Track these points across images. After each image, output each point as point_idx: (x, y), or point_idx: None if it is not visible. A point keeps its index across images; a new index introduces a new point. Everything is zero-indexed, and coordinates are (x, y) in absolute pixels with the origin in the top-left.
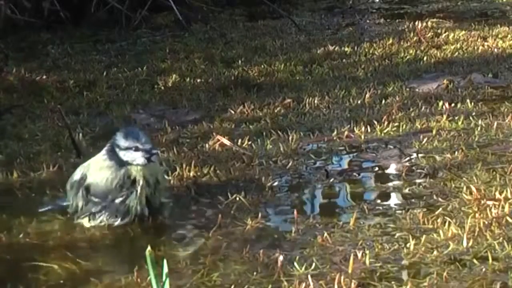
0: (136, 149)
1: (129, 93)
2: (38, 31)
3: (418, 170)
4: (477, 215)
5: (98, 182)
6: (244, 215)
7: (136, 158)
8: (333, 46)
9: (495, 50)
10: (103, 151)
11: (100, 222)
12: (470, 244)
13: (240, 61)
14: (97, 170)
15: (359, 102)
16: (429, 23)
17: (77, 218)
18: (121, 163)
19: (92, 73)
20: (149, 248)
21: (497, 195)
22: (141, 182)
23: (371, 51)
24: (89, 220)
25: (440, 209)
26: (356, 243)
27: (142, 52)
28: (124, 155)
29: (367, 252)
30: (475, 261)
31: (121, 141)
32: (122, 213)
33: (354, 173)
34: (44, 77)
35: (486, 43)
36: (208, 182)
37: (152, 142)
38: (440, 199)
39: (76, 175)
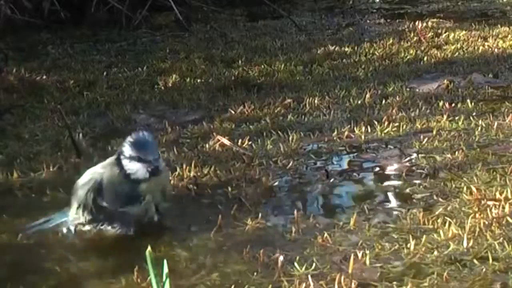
0: (139, 159)
1: (129, 93)
2: (38, 31)
3: (419, 170)
4: (477, 215)
5: (110, 193)
6: (244, 215)
7: (138, 170)
8: (333, 46)
9: (496, 50)
10: (113, 159)
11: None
12: (470, 244)
13: (240, 61)
14: (109, 181)
15: (359, 102)
16: (430, 23)
17: (82, 226)
18: (126, 175)
19: (92, 73)
20: (149, 248)
21: (498, 195)
22: (147, 198)
23: (371, 51)
24: (96, 228)
25: (441, 209)
26: (356, 243)
27: (142, 52)
28: (127, 165)
29: (367, 252)
30: (475, 261)
31: (127, 149)
32: (131, 223)
33: (355, 173)
34: (44, 77)
35: (486, 43)
36: (208, 182)
37: (157, 153)
38: (440, 199)
39: (89, 182)
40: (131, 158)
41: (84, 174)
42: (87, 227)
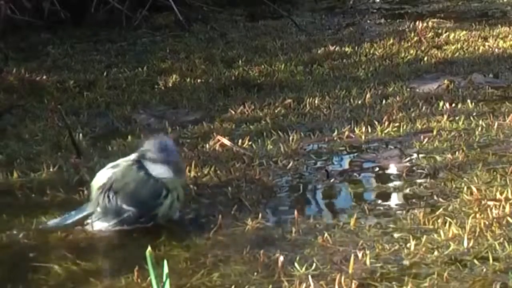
0: (163, 162)
1: (129, 93)
2: (38, 31)
3: (419, 171)
4: (477, 215)
5: (131, 192)
6: (245, 215)
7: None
8: (333, 46)
9: (496, 50)
10: (131, 161)
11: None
12: (470, 244)
13: (240, 61)
14: (130, 181)
15: (359, 102)
16: (430, 23)
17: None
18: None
19: (92, 73)
20: (149, 248)
21: (498, 196)
22: (174, 195)
23: (371, 51)
24: (110, 225)
25: (441, 209)
26: (356, 244)
27: (142, 52)
28: (153, 169)
29: (368, 252)
30: (475, 261)
31: (150, 153)
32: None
33: (355, 174)
34: (44, 77)
35: (487, 43)
36: (209, 182)
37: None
38: (440, 199)
39: (106, 180)
40: (154, 160)
41: (98, 175)
42: (104, 226)
